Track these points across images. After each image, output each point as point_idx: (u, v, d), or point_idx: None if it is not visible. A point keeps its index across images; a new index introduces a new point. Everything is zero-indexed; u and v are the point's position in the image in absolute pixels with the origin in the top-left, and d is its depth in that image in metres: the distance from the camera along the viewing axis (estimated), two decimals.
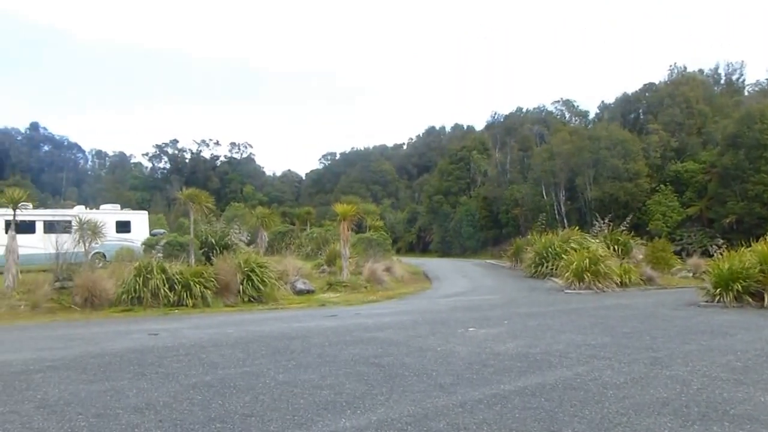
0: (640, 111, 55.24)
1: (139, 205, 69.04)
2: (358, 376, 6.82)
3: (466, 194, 63.42)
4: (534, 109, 72.24)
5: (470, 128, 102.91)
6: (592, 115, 65.04)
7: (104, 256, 25.35)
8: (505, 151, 60.72)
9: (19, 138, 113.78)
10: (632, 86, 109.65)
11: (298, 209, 61.95)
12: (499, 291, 21.78)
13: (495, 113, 78.00)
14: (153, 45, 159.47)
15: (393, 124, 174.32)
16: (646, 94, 55.87)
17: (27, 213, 21.65)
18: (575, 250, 22.82)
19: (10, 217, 28.29)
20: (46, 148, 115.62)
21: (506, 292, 21.00)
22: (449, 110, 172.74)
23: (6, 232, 28.19)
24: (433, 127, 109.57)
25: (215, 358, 7.98)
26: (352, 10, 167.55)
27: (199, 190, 19.96)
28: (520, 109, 74.04)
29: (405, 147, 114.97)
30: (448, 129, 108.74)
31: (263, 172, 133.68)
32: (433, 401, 5.74)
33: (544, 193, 49.24)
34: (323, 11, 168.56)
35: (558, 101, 68.90)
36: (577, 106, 67.66)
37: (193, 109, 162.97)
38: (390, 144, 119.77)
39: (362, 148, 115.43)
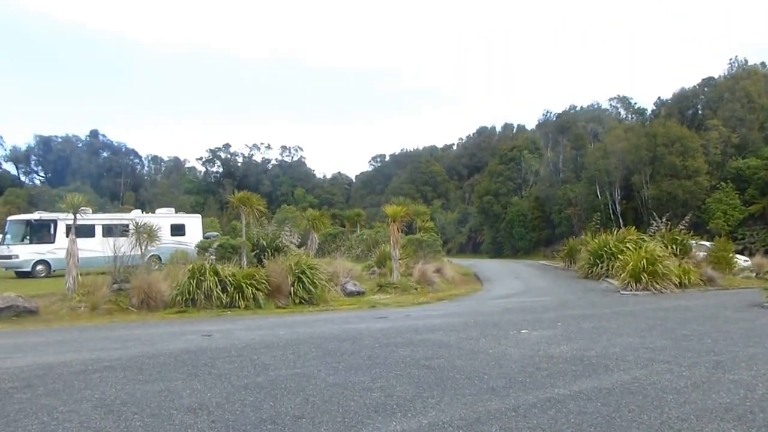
0: (699, 106, 53.42)
1: (192, 209, 70.73)
2: (408, 379, 6.74)
3: (517, 194, 62.59)
4: (588, 106, 70.74)
5: (521, 127, 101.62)
6: (647, 112, 63.18)
7: (160, 258, 26.02)
8: (558, 149, 59.67)
9: (80, 145, 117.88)
10: (690, 81, 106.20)
11: (348, 211, 62.31)
12: (553, 292, 21.36)
13: (547, 112, 76.86)
14: (203, 47, 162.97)
15: (443, 125, 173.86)
16: (705, 89, 54.05)
17: (87, 217, 22.35)
18: (631, 250, 22.18)
19: (71, 222, 29.53)
20: (105, 154, 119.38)
21: (560, 294, 20.57)
22: (500, 109, 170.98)
23: (67, 236, 29.49)
24: (484, 127, 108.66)
25: (266, 359, 8.03)
26: (400, 8, 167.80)
27: (251, 193, 20.22)
28: (573, 107, 72.70)
29: (455, 147, 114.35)
30: (498, 129, 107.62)
31: (314, 175, 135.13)
32: (485, 405, 5.62)
33: (598, 192, 48.15)
34: (371, 11, 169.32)
35: (614, 98, 67.31)
36: (634, 104, 65.89)
37: (245, 113, 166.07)
38: (440, 145, 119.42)
39: (412, 149, 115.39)
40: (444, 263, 28.74)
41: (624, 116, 64.31)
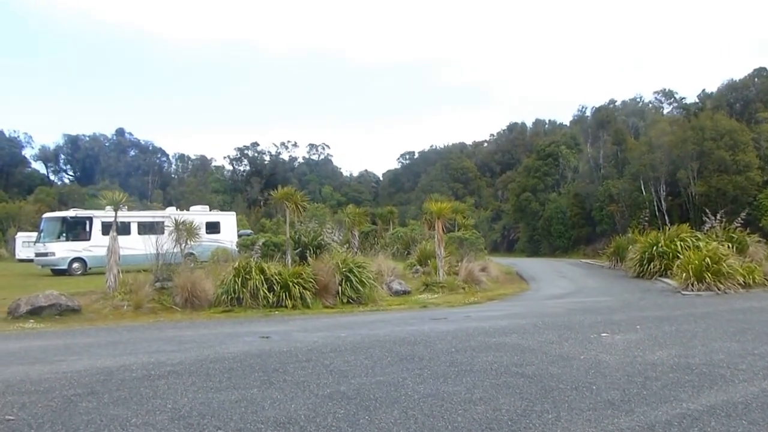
0: (749, 98, 51.31)
1: (220, 207, 70.73)
2: (508, 389, 6.05)
3: (555, 191, 61.24)
4: (630, 100, 68.80)
5: (553, 123, 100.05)
6: (692, 105, 61.22)
7: (195, 256, 25.58)
8: (598, 145, 58.10)
9: (107, 144, 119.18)
10: (738, 72, 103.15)
11: (380, 209, 61.70)
12: (608, 292, 20.42)
13: (582, 107, 75.31)
14: (230, 44, 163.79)
15: (471, 122, 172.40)
16: (755, 80, 51.82)
17: (122, 215, 21.91)
18: (690, 249, 21.14)
19: (107, 219, 29.28)
20: (132, 152, 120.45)
21: (616, 294, 19.63)
22: (529, 105, 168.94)
23: (103, 234, 29.27)
24: (515, 123, 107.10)
25: (340, 364, 7.39)
26: (426, 3, 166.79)
27: (294, 189, 19.61)
28: (612, 101, 70.92)
29: (486, 144, 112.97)
30: (529, 125, 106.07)
31: (340, 173, 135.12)
32: (613, 422, 4.91)
33: (642, 189, 46.58)
34: (397, 7, 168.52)
35: (658, 91, 65.38)
36: (680, 98, 63.92)
37: (272, 111, 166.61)
38: (469, 141, 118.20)
39: (441, 146, 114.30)
40: (488, 262, 27.91)
41: (668, 110, 62.47)
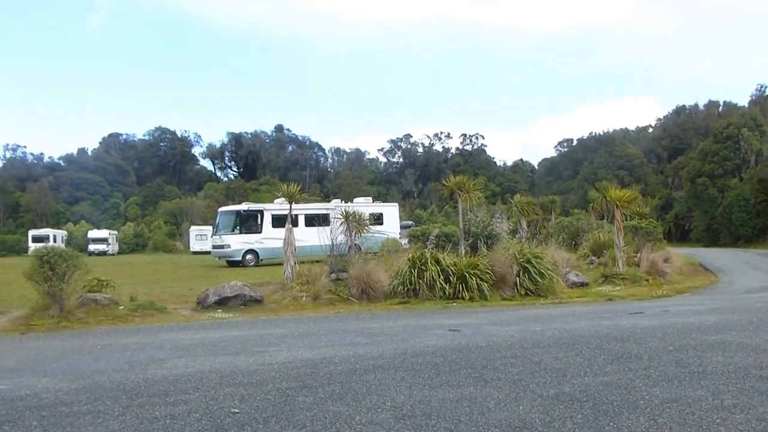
0: None
1: (375, 199, 72.25)
2: (761, 395, 5.21)
3: (735, 176, 55.57)
4: None
5: (728, 104, 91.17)
6: None
7: (359, 247, 25.94)
8: None
9: (267, 140, 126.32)
10: None
11: (541, 198, 59.57)
12: None
13: (761, 86, 67.73)
14: (382, 35, 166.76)
15: (633, 107, 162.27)
16: None
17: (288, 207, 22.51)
18: None
19: (277, 212, 30.60)
20: (290, 148, 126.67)
21: None
22: (695, 87, 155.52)
23: (273, 227, 30.64)
24: (682, 106, 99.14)
25: (550, 361, 6.80)
26: None
27: (467, 178, 19.14)
28: None
29: (651, 129, 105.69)
30: (701, 107, 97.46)
31: (494, 163, 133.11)
32: None
33: None
34: None
35: None
36: None
37: (425, 103, 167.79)
38: (632, 127, 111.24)
39: (602, 133, 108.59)
40: (669, 253, 25.72)
41: None
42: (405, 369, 6.61)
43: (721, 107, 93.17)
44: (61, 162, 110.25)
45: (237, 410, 5.15)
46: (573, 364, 6.66)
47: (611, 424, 4.50)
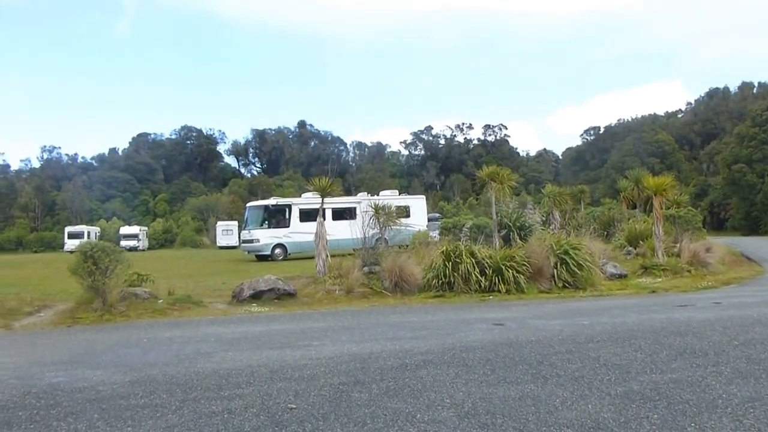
0: None
1: (400, 192, 72.03)
2: None
3: None
4: None
5: (764, 84, 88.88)
6: None
7: (386, 241, 25.71)
8: None
9: (291, 136, 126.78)
10: None
11: (569, 188, 58.70)
12: None
13: None
14: (400, 32, 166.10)
15: (661, 92, 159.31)
16: None
17: (316, 201, 22.38)
18: None
19: (305, 206, 30.52)
20: (313, 143, 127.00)
21: None
22: (730, 68, 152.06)
23: (301, 221, 30.57)
24: (716, 89, 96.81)
25: (609, 357, 6.53)
26: None
27: (501, 168, 18.74)
28: None
29: (681, 114, 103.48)
30: (733, 89, 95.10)
31: (517, 153, 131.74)
32: None
33: None
34: None
35: None
36: None
37: (446, 94, 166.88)
38: (661, 112, 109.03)
39: (630, 119, 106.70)
40: (710, 242, 25.03)
41: None
42: (457, 365, 6.40)
43: (755, 88, 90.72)
44: (93, 162, 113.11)
45: (294, 406, 5.01)
46: (634, 360, 6.39)
47: (692, 425, 4.25)
